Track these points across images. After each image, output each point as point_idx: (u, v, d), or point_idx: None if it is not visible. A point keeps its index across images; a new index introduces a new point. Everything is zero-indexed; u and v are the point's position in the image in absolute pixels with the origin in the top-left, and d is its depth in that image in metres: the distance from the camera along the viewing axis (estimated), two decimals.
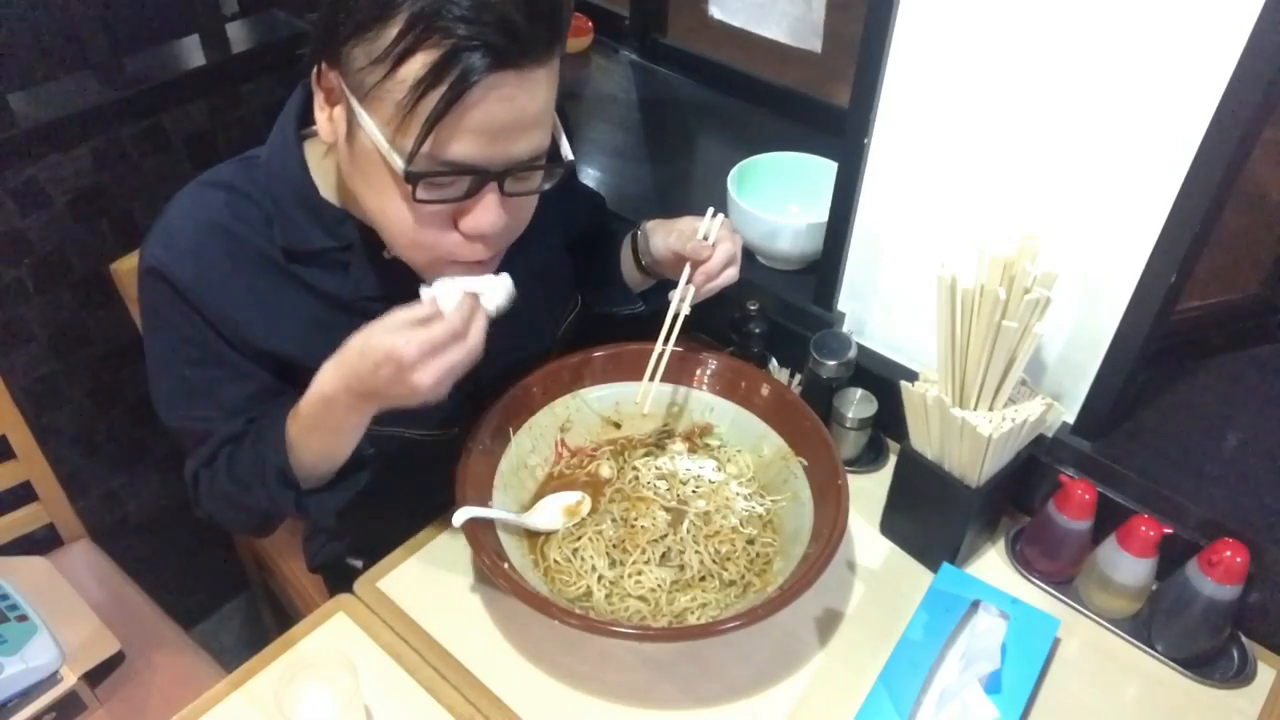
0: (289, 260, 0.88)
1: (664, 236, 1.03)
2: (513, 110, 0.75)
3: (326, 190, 0.89)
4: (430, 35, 0.70)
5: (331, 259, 0.90)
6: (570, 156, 0.84)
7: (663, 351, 1.01)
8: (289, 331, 0.90)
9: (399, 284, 0.92)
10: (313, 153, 0.89)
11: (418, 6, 0.70)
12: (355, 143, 0.78)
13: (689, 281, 0.98)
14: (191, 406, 0.92)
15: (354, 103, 0.76)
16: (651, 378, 1.02)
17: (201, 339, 0.88)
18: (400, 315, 0.79)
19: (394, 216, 0.81)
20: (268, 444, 0.89)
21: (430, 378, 0.78)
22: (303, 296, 0.90)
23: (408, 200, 0.78)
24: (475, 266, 0.85)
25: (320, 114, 0.81)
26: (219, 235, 0.87)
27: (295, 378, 0.93)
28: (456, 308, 0.79)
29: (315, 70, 0.79)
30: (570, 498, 1.02)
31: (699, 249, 0.97)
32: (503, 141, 0.76)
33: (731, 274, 0.99)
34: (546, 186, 0.83)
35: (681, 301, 0.99)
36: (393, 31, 0.71)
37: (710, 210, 1.00)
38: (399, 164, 0.75)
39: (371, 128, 0.75)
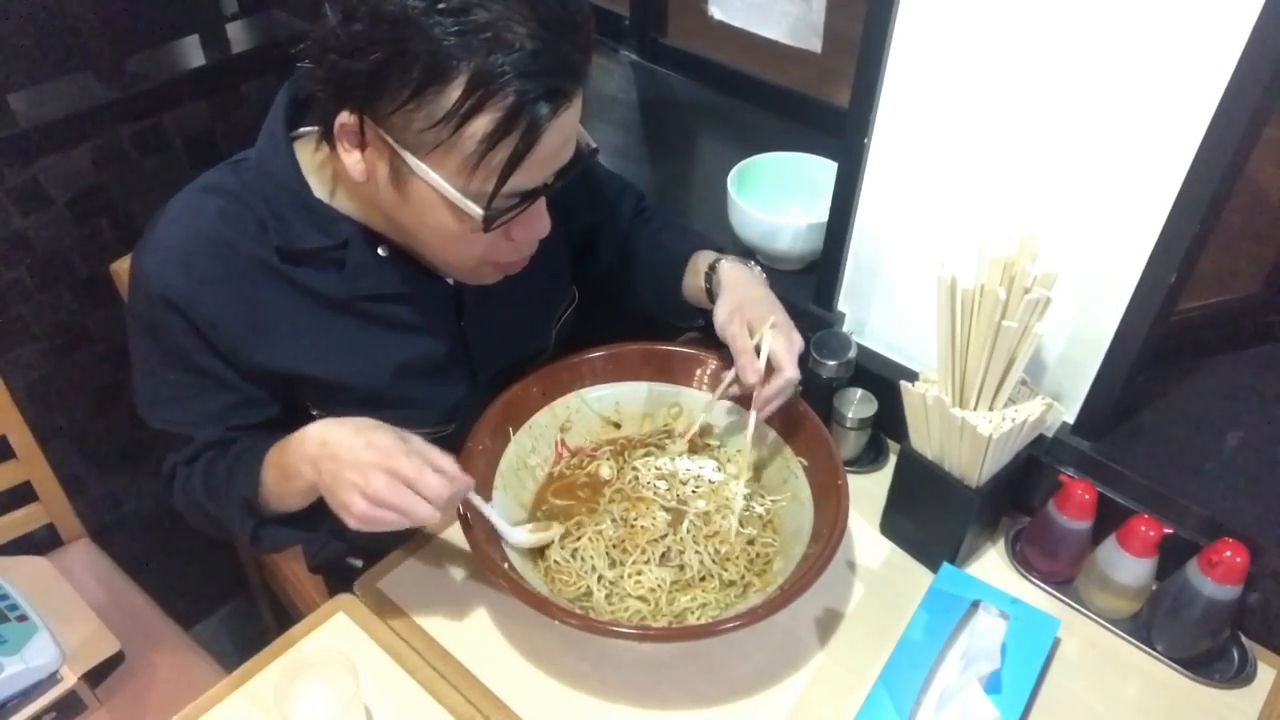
0: (284, 261, 0.88)
1: (727, 312, 0.98)
2: (568, 133, 0.79)
3: (319, 190, 0.89)
4: (492, 95, 0.72)
5: (326, 258, 0.90)
6: (594, 144, 0.86)
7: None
8: (284, 338, 0.90)
9: (396, 280, 0.92)
10: (303, 153, 0.89)
11: (474, 67, 0.70)
12: (407, 188, 0.80)
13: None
14: (171, 410, 0.93)
15: (409, 157, 0.77)
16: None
17: (186, 349, 0.88)
18: (421, 445, 0.83)
19: (456, 249, 0.85)
20: (241, 470, 0.90)
21: (367, 508, 0.79)
22: (298, 299, 0.90)
23: (476, 233, 0.81)
24: (516, 265, 0.91)
25: (348, 157, 0.80)
26: (211, 245, 0.86)
27: (290, 385, 0.94)
28: (450, 499, 0.82)
29: (334, 116, 0.78)
30: (544, 534, 0.99)
31: (747, 369, 0.94)
32: (557, 159, 0.81)
33: (789, 392, 0.97)
34: (575, 173, 0.85)
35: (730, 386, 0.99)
36: (453, 95, 0.72)
37: (770, 321, 0.94)
38: (476, 210, 0.78)
39: (437, 180, 0.77)
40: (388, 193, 0.82)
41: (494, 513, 0.94)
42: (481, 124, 0.73)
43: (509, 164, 0.75)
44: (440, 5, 0.70)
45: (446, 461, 0.83)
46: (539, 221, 0.86)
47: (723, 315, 0.98)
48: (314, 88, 0.79)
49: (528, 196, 0.81)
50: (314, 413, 0.97)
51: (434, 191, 0.78)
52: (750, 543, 0.99)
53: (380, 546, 1.04)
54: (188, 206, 0.89)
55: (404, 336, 0.96)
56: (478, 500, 0.92)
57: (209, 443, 0.93)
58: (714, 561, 0.97)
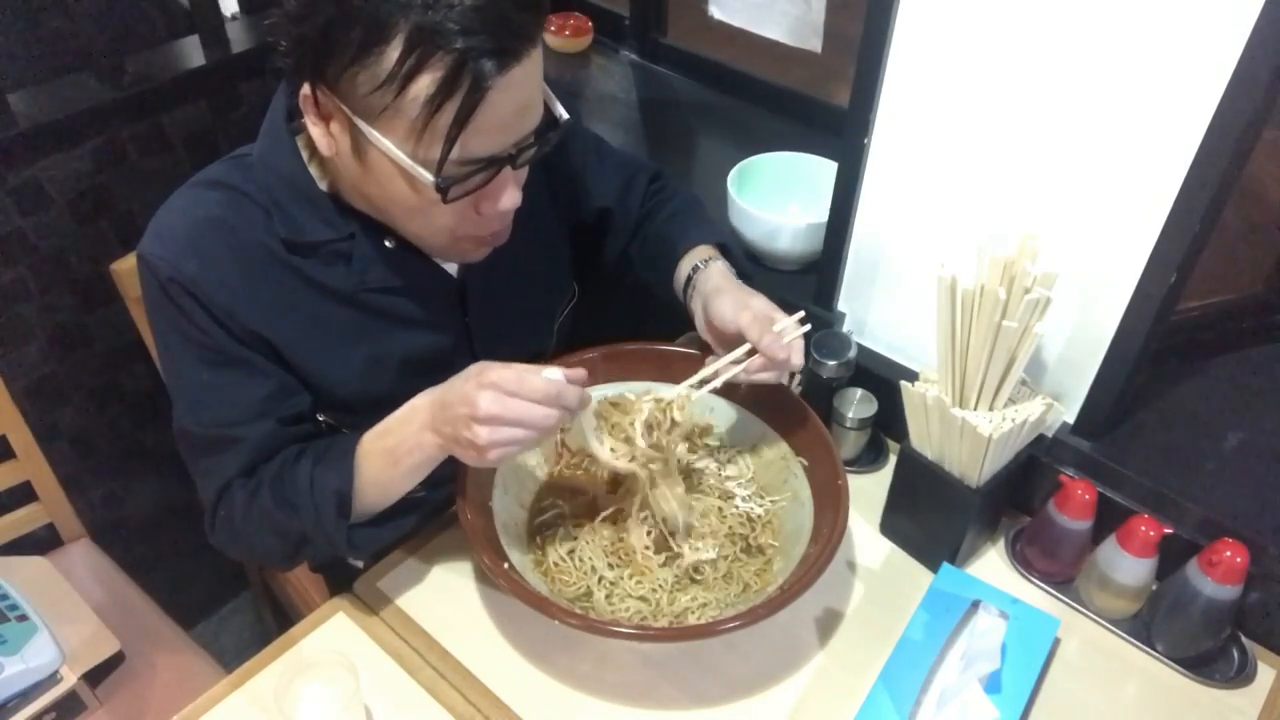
0: (290, 252, 0.88)
1: (734, 308, 0.94)
2: (521, 97, 0.77)
3: (323, 183, 0.89)
4: (433, 52, 0.70)
5: (333, 251, 0.89)
6: (565, 115, 0.85)
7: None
8: (292, 325, 0.90)
9: (402, 273, 0.92)
10: (305, 146, 0.89)
11: (412, 25, 0.70)
12: (366, 158, 0.79)
13: (740, 361, 0.94)
14: (214, 410, 0.89)
15: (361, 124, 0.76)
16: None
17: (212, 337, 0.87)
18: (519, 368, 0.81)
19: (422, 220, 0.84)
20: (331, 469, 0.88)
21: (487, 433, 0.79)
22: (305, 290, 0.90)
23: (435, 204, 0.79)
24: (493, 238, 0.89)
25: (315, 129, 0.80)
26: (217, 229, 0.86)
27: (293, 373, 0.93)
28: (559, 396, 0.80)
29: (299, 91, 0.79)
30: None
31: (774, 347, 0.90)
32: (515, 127, 0.79)
33: (774, 379, 0.95)
34: (548, 149, 0.84)
35: (720, 375, 0.95)
36: (393, 54, 0.71)
37: (800, 314, 0.95)
38: (427, 177, 0.77)
39: (388, 146, 0.76)
40: (351, 165, 0.81)
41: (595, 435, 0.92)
42: (424, 84, 0.72)
43: (454, 126, 0.73)
44: None
45: (550, 370, 0.82)
46: (507, 197, 0.83)
47: (729, 310, 0.95)
48: (281, 62, 0.79)
49: (488, 165, 0.79)
50: (321, 417, 0.97)
51: (389, 161, 0.77)
52: (750, 543, 0.99)
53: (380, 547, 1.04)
54: (190, 199, 0.89)
55: (409, 331, 0.96)
56: (589, 417, 0.89)
57: (263, 444, 0.90)
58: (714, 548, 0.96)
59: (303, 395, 0.93)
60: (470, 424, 0.79)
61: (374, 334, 0.94)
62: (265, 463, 0.90)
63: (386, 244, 0.90)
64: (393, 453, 0.87)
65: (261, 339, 0.89)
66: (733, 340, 0.95)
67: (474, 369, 0.82)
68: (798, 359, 0.93)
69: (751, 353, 0.93)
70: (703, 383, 0.95)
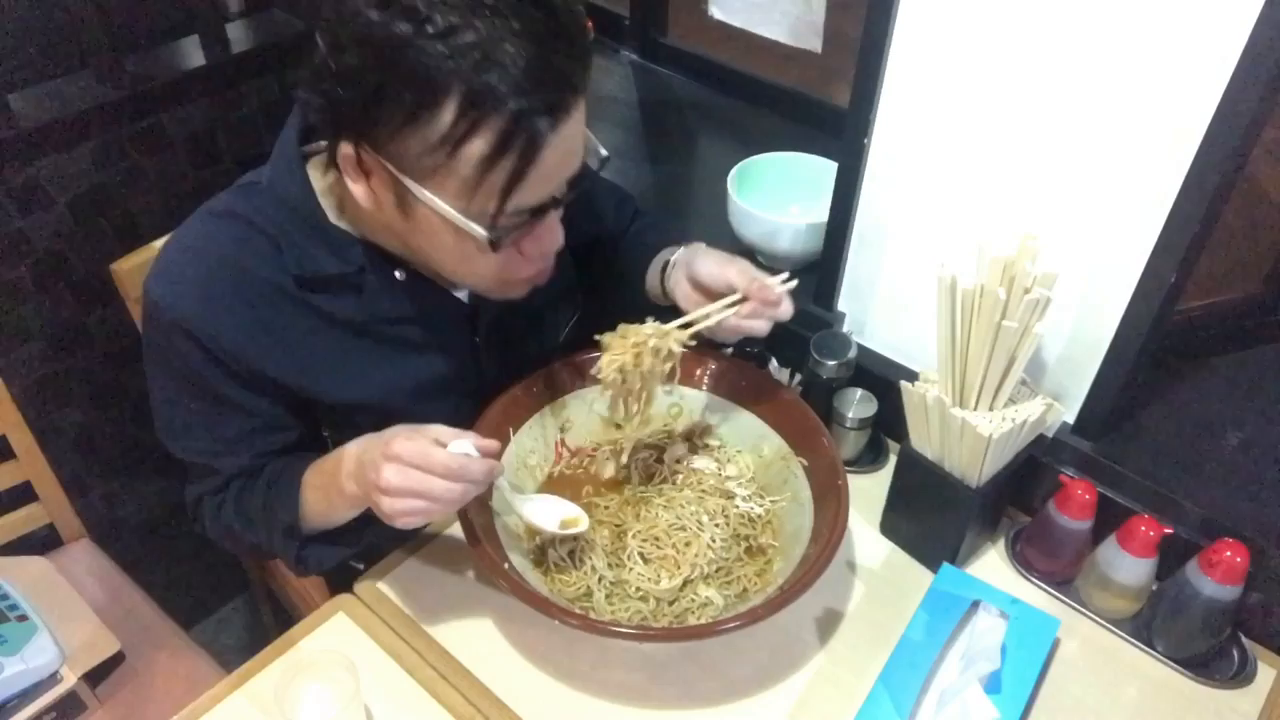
0: (300, 287, 0.87)
1: (719, 264, 0.96)
2: (571, 146, 0.78)
3: (333, 213, 0.88)
4: (487, 114, 0.70)
5: (343, 283, 0.89)
6: (605, 153, 0.85)
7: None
8: (304, 360, 0.90)
9: (414, 302, 0.92)
10: (316, 175, 0.88)
11: (465, 87, 0.69)
12: (413, 214, 0.79)
13: (733, 305, 0.95)
14: (195, 439, 0.92)
15: (410, 183, 0.76)
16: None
17: (204, 376, 0.87)
18: (438, 429, 0.81)
19: (468, 267, 0.84)
20: (281, 495, 0.90)
21: (390, 502, 0.78)
22: (316, 324, 0.89)
23: (484, 253, 0.80)
24: (538, 276, 0.90)
25: (355, 186, 0.79)
26: (227, 270, 0.85)
27: (308, 408, 0.94)
28: (461, 470, 0.79)
29: (334, 145, 0.78)
30: (571, 510, 0.97)
31: (766, 290, 0.93)
32: (563, 173, 0.79)
33: (766, 327, 0.96)
34: (587, 185, 0.85)
35: (711, 316, 0.95)
36: (446, 118, 0.70)
37: (786, 274, 0.97)
38: (480, 233, 0.77)
39: (439, 204, 0.76)
40: (396, 218, 0.81)
41: (523, 500, 0.94)
42: (478, 145, 0.72)
43: (509, 183, 0.74)
44: (428, 29, 0.68)
45: (458, 441, 0.81)
46: (549, 235, 0.85)
47: (715, 266, 0.96)
48: (314, 117, 0.79)
49: (536, 212, 0.80)
50: (325, 434, 0.98)
51: (438, 216, 0.77)
52: (750, 543, 0.99)
53: (380, 547, 1.04)
54: (200, 232, 0.88)
55: (419, 355, 0.96)
56: (504, 484, 0.91)
57: (235, 473, 0.93)
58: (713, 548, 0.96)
59: (290, 431, 0.94)
60: (376, 491, 0.79)
61: (386, 361, 0.94)
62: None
63: (397, 275, 0.90)
64: (326, 491, 0.88)
65: (267, 379, 0.89)
66: (720, 297, 0.96)
67: (387, 434, 0.81)
68: (787, 306, 0.95)
69: (740, 302, 0.94)
70: (690, 326, 0.97)
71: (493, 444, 0.84)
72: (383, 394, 0.94)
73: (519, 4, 0.70)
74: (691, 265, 0.99)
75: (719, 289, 0.96)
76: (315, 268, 0.87)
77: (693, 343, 0.97)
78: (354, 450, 0.84)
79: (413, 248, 0.85)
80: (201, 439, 0.92)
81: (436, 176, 0.74)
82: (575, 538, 0.98)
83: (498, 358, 1.03)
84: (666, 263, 1.03)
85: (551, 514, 0.96)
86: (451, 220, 0.77)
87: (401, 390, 0.95)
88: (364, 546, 0.96)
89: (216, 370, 0.87)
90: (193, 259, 0.86)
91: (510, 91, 0.69)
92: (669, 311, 1.00)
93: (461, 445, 0.81)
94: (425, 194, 0.76)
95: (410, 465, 0.78)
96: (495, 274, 0.85)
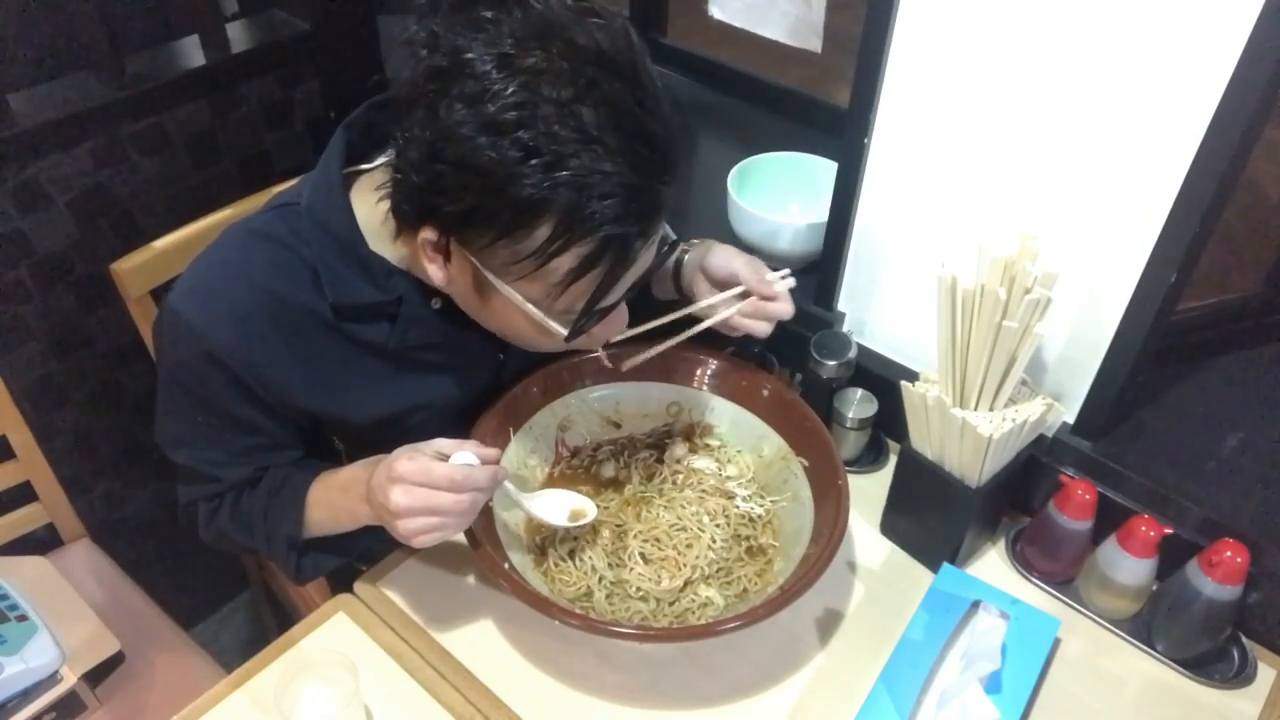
0: (336, 315, 0.86)
1: (730, 257, 0.99)
2: (652, 250, 0.80)
3: (374, 240, 0.86)
4: (582, 235, 0.71)
5: (379, 311, 0.88)
6: (674, 237, 0.88)
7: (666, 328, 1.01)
8: (334, 388, 0.90)
9: (445, 330, 0.92)
10: (357, 196, 0.86)
11: (563, 210, 0.69)
12: (490, 301, 0.80)
13: (734, 297, 0.99)
14: (197, 449, 0.91)
15: (493, 278, 0.77)
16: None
17: (223, 400, 0.87)
18: (436, 443, 0.82)
19: (541, 345, 0.86)
20: (284, 507, 0.90)
21: (402, 524, 0.79)
22: (348, 351, 0.89)
23: (557, 339, 0.81)
24: (601, 345, 0.94)
25: (430, 264, 0.80)
26: (265, 300, 0.84)
27: (325, 425, 0.95)
28: (465, 480, 0.80)
29: (413, 223, 0.78)
30: (578, 501, 0.98)
31: (763, 286, 0.97)
32: (639, 273, 0.81)
33: (766, 329, 0.98)
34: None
35: (712, 307, 0.99)
36: (540, 236, 0.71)
37: (787, 270, 1.00)
38: (560, 331, 0.79)
39: (521, 302, 0.78)
40: (470, 298, 0.82)
41: (530, 498, 0.95)
42: (568, 260, 0.73)
43: (596, 293, 0.76)
44: (533, 160, 0.68)
45: (460, 453, 0.82)
46: (618, 321, 0.87)
47: (723, 259, 0.99)
48: (397, 199, 0.78)
49: (612, 307, 0.82)
50: (339, 446, 0.99)
51: (515, 307, 0.79)
52: (750, 543, 0.99)
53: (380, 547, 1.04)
54: (237, 252, 0.86)
55: (445, 374, 0.96)
56: (509, 485, 0.91)
57: (236, 485, 0.93)
58: (712, 549, 0.96)
59: (295, 450, 0.94)
60: (388, 515, 0.79)
61: (413, 382, 0.94)
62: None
63: (433, 304, 0.90)
64: (334, 511, 0.89)
65: (292, 407, 0.89)
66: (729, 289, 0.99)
67: (390, 457, 0.81)
68: (787, 304, 0.97)
69: (744, 297, 0.97)
70: (693, 318, 1.00)
71: (493, 451, 0.85)
72: (410, 413, 0.95)
73: (625, 140, 0.70)
74: (704, 260, 1.01)
75: (727, 281, 0.99)
76: (355, 298, 0.86)
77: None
78: (365, 474, 0.84)
79: (479, 318, 0.86)
80: (205, 450, 0.91)
81: (522, 280, 0.76)
82: (576, 536, 0.98)
83: (520, 369, 1.04)
84: (679, 259, 1.04)
85: (560, 508, 0.97)
86: (530, 316, 0.79)
87: (427, 407, 0.96)
88: (360, 552, 0.97)
89: (237, 394, 0.86)
90: (230, 281, 0.84)
91: (608, 220, 0.70)
92: (675, 305, 1.02)
93: (463, 456, 0.81)
94: (508, 289, 0.77)
95: (415, 484, 0.78)
96: (560, 349, 0.87)
